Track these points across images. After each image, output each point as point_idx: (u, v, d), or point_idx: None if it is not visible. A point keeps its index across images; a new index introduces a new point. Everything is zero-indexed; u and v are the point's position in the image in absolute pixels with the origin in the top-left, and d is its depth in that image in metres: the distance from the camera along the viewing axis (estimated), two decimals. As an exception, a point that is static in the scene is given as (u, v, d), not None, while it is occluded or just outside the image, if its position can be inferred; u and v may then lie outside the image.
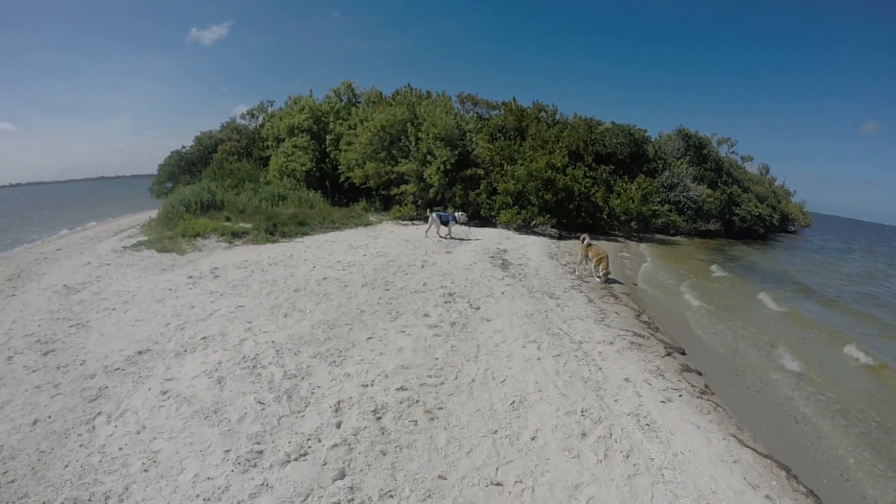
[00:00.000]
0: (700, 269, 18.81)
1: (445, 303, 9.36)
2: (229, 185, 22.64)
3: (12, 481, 4.15)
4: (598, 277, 13.03)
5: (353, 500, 3.93)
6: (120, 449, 4.52)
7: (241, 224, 16.64)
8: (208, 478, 4.14)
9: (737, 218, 33.53)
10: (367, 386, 5.84)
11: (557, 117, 30.49)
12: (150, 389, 5.62)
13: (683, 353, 8.61)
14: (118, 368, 6.16)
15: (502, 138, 25.98)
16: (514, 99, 29.47)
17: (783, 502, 4.70)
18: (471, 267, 12.80)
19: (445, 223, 18.09)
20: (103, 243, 15.00)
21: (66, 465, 4.32)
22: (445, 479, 4.32)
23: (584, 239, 14.04)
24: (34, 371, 6.09)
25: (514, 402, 5.78)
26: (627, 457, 4.91)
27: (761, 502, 4.59)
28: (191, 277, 10.39)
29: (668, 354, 8.36)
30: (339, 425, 4.98)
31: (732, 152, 48.95)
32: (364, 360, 6.58)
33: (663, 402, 6.33)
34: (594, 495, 4.28)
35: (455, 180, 22.34)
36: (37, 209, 36.71)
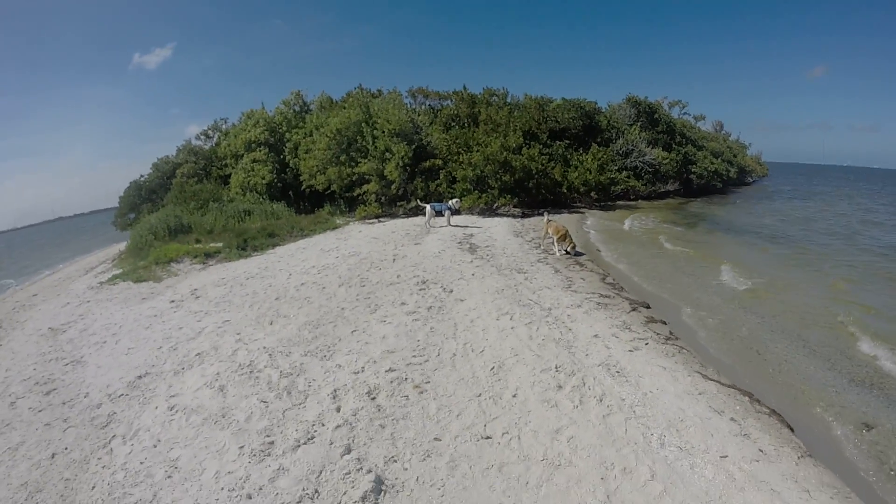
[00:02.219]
0: (657, 227, 19.59)
1: (420, 290, 9.80)
2: (194, 208, 22.64)
3: (44, 511, 4.38)
4: (562, 252, 13.44)
5: (361, 468, 4.39)
6: (141, 463, 4.85)
7: (212, 244, 16.75)
8: (229, 472, 4.52)
9: (694, 176, 34.45)
10: (358, 373, 6.28)
11: (508, 100, 31.07)
12: (156, 408, 5.93)
13: (648, 307, 9.22)
14: (122, 394, 6.43)
15: (456, 127, 26.49)
16: (465, 87, 30.01)
17: (747, 422, 5.26)
18: (440, 254, 13.26)
19: (441, 213, 18.55)
20: (77, 282, 15.03)
21: (94, 487, 4.62)
22: (440, 440, 4.82)
23: (545, 216, 14.81)
24: (40, 411, 6.32)
25: (493, 367, 6.30)
26: (601, 400, 5.46)
27: (727, 424, 5.15)
28: (173, 301, 10.60)
29: (634, 310, 8.96)
30: (338, 409, 5.43)
31: (685, 113, 49.46)
32: (352, 350, 7.02)
33: (631, 351, 6.92)
34: (574, 435, 4.83)
35: (414, 174, 22.73)
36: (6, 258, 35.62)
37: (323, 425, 5.13)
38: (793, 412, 5.71)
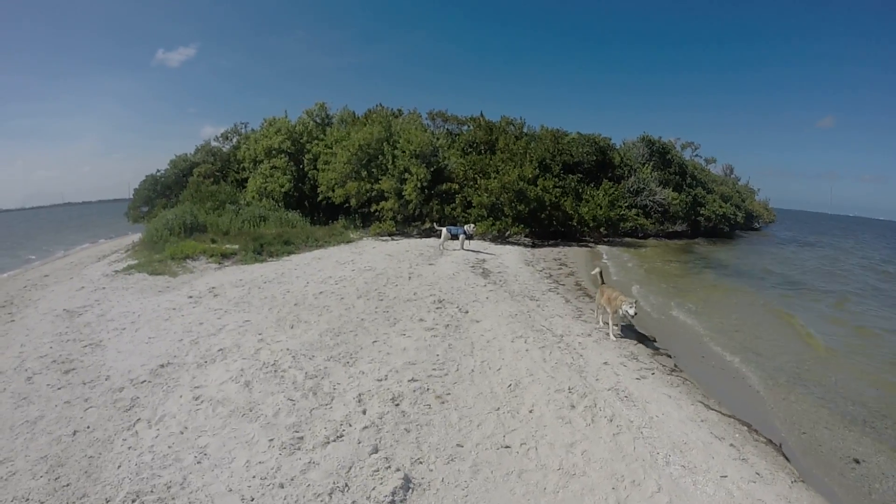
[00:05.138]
0: (663, 266, 20.01)
1: (437, 308, 10.15)
2: (210, 208, 22.87)
3: (67, 485, 4.45)
4: (617, 335, 9.36)
5: (389, 467, 4.69)
6: (169, 447, 5.01)
7: (228, 245, 17.04)
8: (259, 462, 4.75)
9: (702, 218, 35.04)
10: (381, 380, 6.61)
11: (525, 130, 31.69)
12: (181, 397, 6.10)
13: (654, 340, 9.58)
14: (145, 381, 6.56)
15: (473, 153, 27.07)
16: (482, 114, 30.71)
17: (745, 449, 5.67)
18: (454, 276, 13.62)
19: (456, 236, 18.82)
20: (90, 268, 15.24)
21: (119, 466, 4.72)
22: (462, 446, 5.16)
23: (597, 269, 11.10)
24: (59, 388, 6.37)
25: (510, 385, 6.65)
26: (611, 420, 5.82)
27: (727, 450, 5.53)
28: (191, 297, 10.82)
29: (641, 342, 9.32)
30: (364, 412, 5.74)
31: (696, 155, 50.47)
32: (374, 359, 7.34)
33: (638, 378, 7.29)
34: (587, 449, 5.18)
35: (431, 196, 23.20)
36: (8, 238, 34.94)
37: (350, 425, 5.43)
38: (787, 443, 6.10)
